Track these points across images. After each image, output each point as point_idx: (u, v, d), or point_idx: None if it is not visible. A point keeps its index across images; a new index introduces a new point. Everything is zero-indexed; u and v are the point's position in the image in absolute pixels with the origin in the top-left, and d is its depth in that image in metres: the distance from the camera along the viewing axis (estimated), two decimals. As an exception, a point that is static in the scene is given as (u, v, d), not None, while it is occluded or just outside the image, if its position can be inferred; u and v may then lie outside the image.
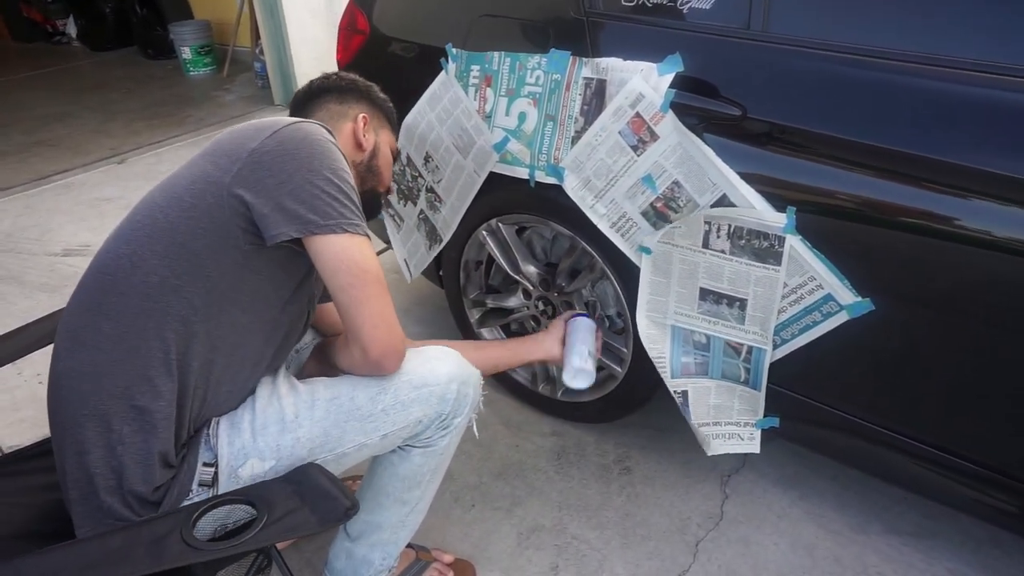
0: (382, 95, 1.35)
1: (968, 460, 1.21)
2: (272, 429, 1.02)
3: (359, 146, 1.25)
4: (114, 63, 6.03)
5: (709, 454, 1.49)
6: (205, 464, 0.99)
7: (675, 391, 1.48)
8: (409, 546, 1.39)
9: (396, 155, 1.36)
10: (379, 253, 2.63)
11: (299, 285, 1.08)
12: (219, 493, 0.95)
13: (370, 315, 0.99)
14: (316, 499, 0.91)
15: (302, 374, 1.25)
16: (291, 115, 1.24)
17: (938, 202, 1.09)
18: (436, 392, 1.07)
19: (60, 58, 6.29)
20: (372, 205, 1.31)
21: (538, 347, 1.48)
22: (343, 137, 1.24)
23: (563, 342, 1.48)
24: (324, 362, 1.25)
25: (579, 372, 1.41)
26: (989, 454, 1.20)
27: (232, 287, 0.98)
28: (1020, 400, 1.13)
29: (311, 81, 1.31)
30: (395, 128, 1.38)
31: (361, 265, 0.98)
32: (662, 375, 1.48)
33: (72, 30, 6.71)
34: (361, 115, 1.26)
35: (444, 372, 1.08)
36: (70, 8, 6.64)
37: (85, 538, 0.88)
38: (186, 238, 0.96)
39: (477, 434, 1.28)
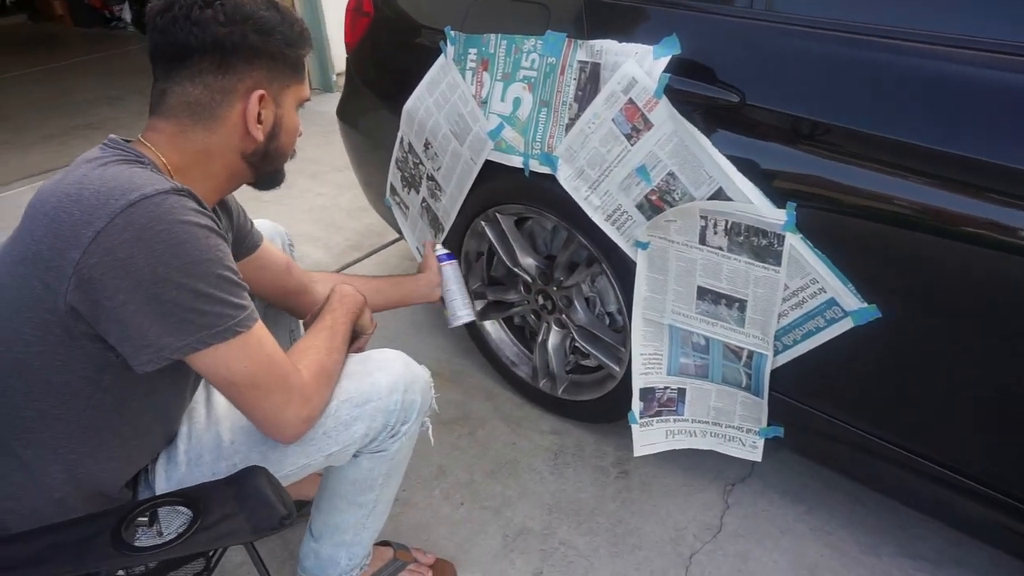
0: (286, 29, 0.93)
1: (985, 484, 1.10)
2: (207, 458, 0.99)
3: (250, 134, 0.94)
4: (165, 47, 6.17)
5: (637, 454, 1.48)
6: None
7: (667, 387, 1.41)
8: (388, 544, 1.37)
9: (305, 101, 1.02)
10: (389, 245, 2.62)
11: None
12: (160, 528, 0.91)
13: (254, 418, 0.91)
14: (254, 505, 0.87)
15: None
16: (153, 69, 0.91)
17: (953, 201, 0.98)
18: (379, 407, 1.02)
19: (115, 43, 6.48)
20: (274, 179, 1.06)
21: (417, 292, 1.51)
22: (226, 127, 0.92)
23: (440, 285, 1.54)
24: None
25: (464, 319, 1.54)
26: (1004, 476, 1.08)
27: (124, 391, 0.88)
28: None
29: (173, 13, 0.86)
30: (303, 65, 0.99)
31: (229, 379, 0.85)
32: (644, 373, 1.42)
33: (127, 15, 6.91)
34: (257, 93, 0.91)
35: (386, 384, 1.03)
36: (125, -6, 6.84)
37: (9, 536, 0.86)
38: (47, 372, 0.83)
39: (432, 440, 1.23)
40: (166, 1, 0.88)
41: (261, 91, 0.92)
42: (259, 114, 0.93)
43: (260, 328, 0.88)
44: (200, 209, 0.84)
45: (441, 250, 1.50)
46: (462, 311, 1.51)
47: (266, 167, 1.01)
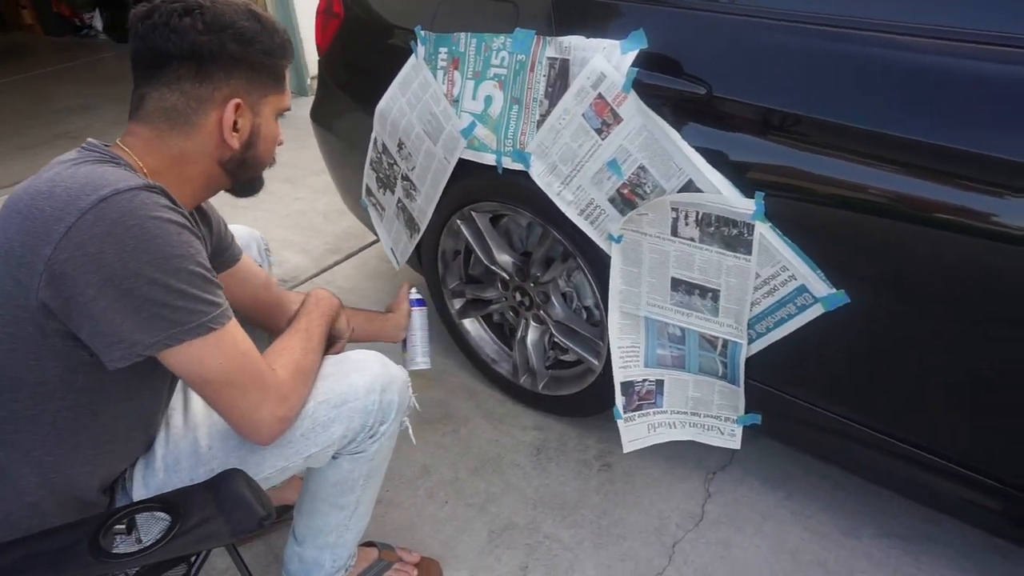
0: (265, 39, 0.93)
1: (954, 462, 1.12)
2: (185, 464, 0.99)
3: (225, 142, 0.94)
4: (137, 54, 6.10)
5: (626, 450, 1.48)
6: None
7: (645, 379, 1.42)
8: (372, 544, 1.37)
9: (285, 111, 1.03)
10: (368, 247, 2.62)
11: None
12: (139, 535, 0.91)
13: (229, 418, 0.90)
14: (232, 507, 0.87)
15: None
16: (133, 74, 0.92)
17: (918, 187, 1.00)
18: (356, 407, 1.02)
19: (87, 51, 6.39)
20: (252, 187, 1.06)
21: (384, 331, 1.44)
22: (201, 134, 0.92)
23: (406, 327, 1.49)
24: None
25: (421, 365, 1.48)
26: (977, 456, 1.11)
27: (98, 393, 0.88)
28: (1010, 398, 1.03)
29: (154, 20, 0.87)
30: (283, 75, 1.00)
31: (203, 377, 0.85)
32: (623, 367, 1.43)
33: (98, 23, 6.82)
34: (233, 101, 0.92)
35: (363, 385, 1.03)
36: (96, 1, 6.74)
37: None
38: (20, 371, 0.83)
39: (414, 439, 1.23)
40: (148, 8, 0.89)
41: (237, 100, 0.93)
42: (235, 122, 0.94)
43: (234, 326, 0.88)
44: (172, 206, 0.84)
45: (415, 295, 1.49)
46: (420, 358, 1.49)
47: (243, 174, 1.02)
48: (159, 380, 0.98)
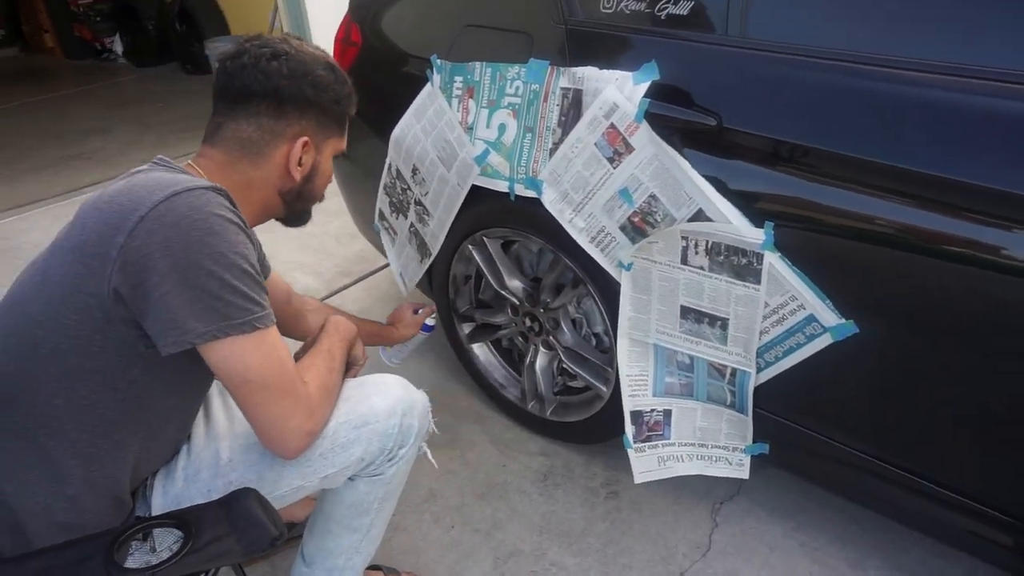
0: (337, 88, 1.05)
1: (965, 496, 1.12)
2: (204, 475, 1.00)
3: (289, 174, 1.03)
4: (155, 78, 6.22)
5: (637, 481, 1.47)
6: (138, 519, 0.97)
7: (653, 409, 1.42)
8: (378, 568, 1.37)
9: (340, 153, 1.14)
10: (379, 270, 2.64)
11: None
12: (153, 544, 0.92)
13: (259, 423, 0.91)
14: (245, 526, 0.88)
15: None
16: (215, 104, 1.01)
17: (926, 219, 1.01)
18: (377, 429, 1.03)
19: (106, 74, 6.53)
20: (301, 218, 1.16)
21: (391, 339, 1.60)
22: (269, 164, 1.01)
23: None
24: None
25: (393, 364, 1.68)
26: (988, 490, 1.10)
27: (147, 387, 0.91)
28: (1022, 431, 1.03)
29: (243, 60, 0.98)
30: (346, 123, 1.12)
31: (243, 375, 0.86)
32: (632, 395, 1.43)
33: (118, 47, 6.96)
34: (302, 139, 1.01)
35: (384, 408, 1.05)
36: (117, 26, 6.89)
37: (3, 560, 0.86)
38: (82, 359, 0.86)
39: (435, 464, 1.24)
40: (237, 49, 1.00)
41: (306, 138, 1.02)
42: (300, 158, 1.03)
43: (276, 331, 0.91)
44: (233, 209, 0.90)
45: (433, 321, 1.63)
46: (396, 361, 1.68)
47: (298, 205, 1.11)
48: (202, 379, 1.01)
